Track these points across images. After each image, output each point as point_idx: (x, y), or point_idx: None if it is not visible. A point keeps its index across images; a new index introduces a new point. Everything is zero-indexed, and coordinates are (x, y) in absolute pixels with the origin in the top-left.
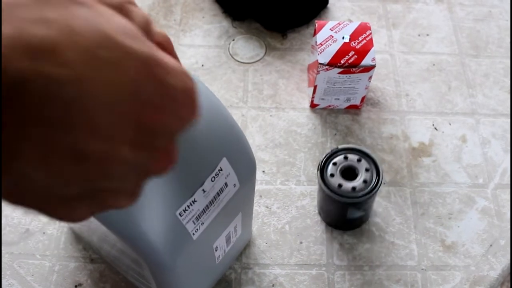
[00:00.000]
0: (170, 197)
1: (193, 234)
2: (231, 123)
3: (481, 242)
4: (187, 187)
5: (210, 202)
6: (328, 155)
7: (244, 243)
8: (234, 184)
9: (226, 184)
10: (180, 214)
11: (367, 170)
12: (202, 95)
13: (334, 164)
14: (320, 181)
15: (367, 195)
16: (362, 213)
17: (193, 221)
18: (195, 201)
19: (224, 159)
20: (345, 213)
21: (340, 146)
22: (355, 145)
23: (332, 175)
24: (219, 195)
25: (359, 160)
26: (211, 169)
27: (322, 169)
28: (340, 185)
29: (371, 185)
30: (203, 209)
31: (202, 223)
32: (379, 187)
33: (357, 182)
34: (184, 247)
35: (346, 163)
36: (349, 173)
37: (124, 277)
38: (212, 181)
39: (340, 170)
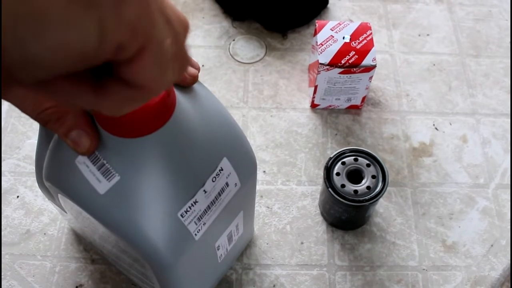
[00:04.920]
0: (171, 199)
1: (195, 234)
2: (230, 122)
3: (482, 242)
4: (188, 188)
5: (211, 202)
6: (339, 153)
7: (246, 241)
8: (235, 183)
9: (227, 184)
10: (181, 215)
11: (373, 177)
12: (201, 96)
13: (343, 163)
14: (325, 177)
15: (369, 200)
16: (362, 216)
17: (194, 222)
18: (197, 201)
19: (225, 158)
20: (345, 213)
21: (353, 147)
22: (368, 150)
23: (338, 173)
24: (220, 195)
25: (368, 165)
26: (211, 169)
27: (330, 165)
28: (343, 185)
29: (374, 192)
30: (205, 209)
31: (204, 224)
32: (382, 194)
33: (361, 187)
34: (186, 248)
35: (354, 165)
36: (354, 175)
37: (125, 278)
38: (213, 181)
39: (347, 171)
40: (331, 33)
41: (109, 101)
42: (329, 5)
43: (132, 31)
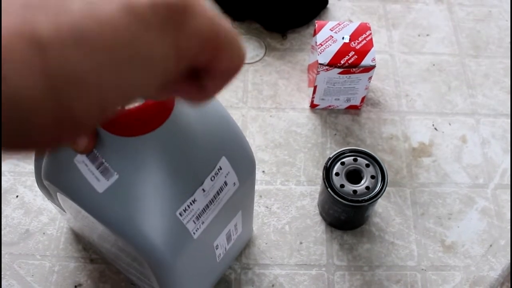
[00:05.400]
0: (170, 197)
1: (194, 233)
2: (229, 121)
3: (481, 243)
4: (187, 187)
5: (210, 201)
6: (338, 153)
7: (245, 241)
8: (234, 182)
9: (225, 183)
10: (180, 214)
11: (372, 177)
12: None
13: (342, 163)
14: (324, 177)
15: (368, 201)
16: (362, 215)
17: (193, 221)
18: (195, 200)
19: (223, 158)
20: (344, 213)
21: (352, 148)
22: (368, 150)
23: (337, 174)
24: (219, 194)
25: (367, 166)
26: (210, 168)
27: (330, 165)
28: (342, 186)
29: (373, 192)
30: (203, 208)
31: (203, 222)
32: (381, 195)
33: (360, 187)
34: (185, 247)
35: (354, 165)
36: (354, 176)
37: (124, 277)
38: (212, 180)
39: (346, 171)
40: (331, 33)
41: (212, 91)
42: (328, 5)
43: (203, 38)
